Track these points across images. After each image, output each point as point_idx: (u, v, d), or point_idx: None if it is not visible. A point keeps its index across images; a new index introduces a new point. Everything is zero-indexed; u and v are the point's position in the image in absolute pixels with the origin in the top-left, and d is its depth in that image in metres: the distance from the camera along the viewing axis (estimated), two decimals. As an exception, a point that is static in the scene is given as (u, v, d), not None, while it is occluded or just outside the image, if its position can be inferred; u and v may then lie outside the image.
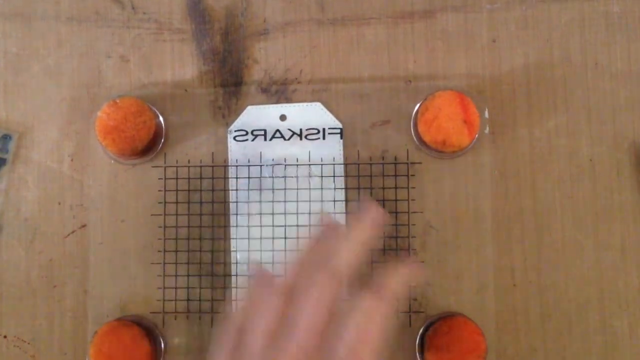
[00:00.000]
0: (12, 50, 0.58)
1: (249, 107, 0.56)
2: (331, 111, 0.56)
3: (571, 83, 0.56)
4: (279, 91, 0.57)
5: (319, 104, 0.56)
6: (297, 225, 0.56)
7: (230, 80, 0.57)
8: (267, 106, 0.56)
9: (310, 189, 0.56)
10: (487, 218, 0.55)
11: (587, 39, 0.56)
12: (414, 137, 0.55)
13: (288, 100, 0.56)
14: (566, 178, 0.55)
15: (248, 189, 0.56)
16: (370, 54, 0.57)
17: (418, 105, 0.55)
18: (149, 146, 0.55)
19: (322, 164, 0.56)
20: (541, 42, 0.56)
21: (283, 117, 0.56)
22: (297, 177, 0.56)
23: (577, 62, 0.56)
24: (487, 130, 0.55)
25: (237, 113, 0.56)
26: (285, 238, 0.55)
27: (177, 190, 0.56)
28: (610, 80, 0.56)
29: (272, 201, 0.56)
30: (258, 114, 0.56)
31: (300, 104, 0.56)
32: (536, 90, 0.56)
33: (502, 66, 0.56)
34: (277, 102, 0.56)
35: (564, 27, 0.56)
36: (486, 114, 0.55)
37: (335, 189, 0.56)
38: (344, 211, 0.56)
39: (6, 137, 0.57)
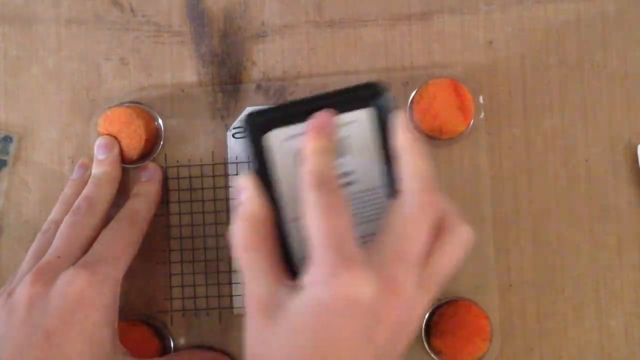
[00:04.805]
0: (12, 52, 0.58)
1: (248, 109, 0.57)
2: (329, 113, 0.56)
3: (567, 84, 0.56)
4: (277, 93, 0.57)
5: (317, 105, 0.56)
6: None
7: (229, 82, 0.57)
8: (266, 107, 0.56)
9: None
10: (485, 219, 0.55)
11: (583, 40, 0.56)
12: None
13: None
14: (562, 178, 0.56)
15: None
16: (368, 56, 0.57)
17: (413, 93, 0.55)
18: (144, 153, 0.55)
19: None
20: (537, 43, 0.56)
21: (281, 119, 0.57)
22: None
23: (573, 63, 0.56)
24: (483, 132, 0.56)
25: (236, 114, 0.57)
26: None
27: (179, 189, 0.57)
28: (606, 81, 0.56)
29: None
30: (257, 116, 0.56)
31: (299, 106, 0.56)
32: (532, 91, 0.56)
33: (498, 67, 0.56)
34: (276, 103, 0.57)
35: (560, 28, 0.57)
36: (482, 116, 0.55)
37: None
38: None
39: (7, 139, 0.58)
